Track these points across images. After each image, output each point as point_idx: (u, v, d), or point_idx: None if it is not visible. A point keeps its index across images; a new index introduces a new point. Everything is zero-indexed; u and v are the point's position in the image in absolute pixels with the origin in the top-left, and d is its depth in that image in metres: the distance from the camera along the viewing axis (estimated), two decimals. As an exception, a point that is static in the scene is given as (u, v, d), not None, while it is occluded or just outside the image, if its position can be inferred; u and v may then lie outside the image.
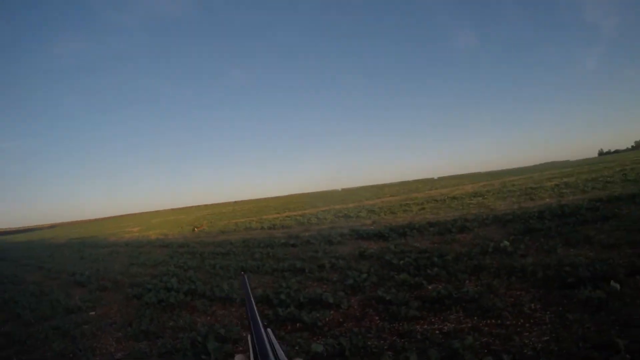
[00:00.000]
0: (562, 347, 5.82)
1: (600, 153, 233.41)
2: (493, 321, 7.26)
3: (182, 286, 13.46)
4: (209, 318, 10.33)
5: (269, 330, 1.16)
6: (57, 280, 19.91)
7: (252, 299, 1.35)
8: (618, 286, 7.47)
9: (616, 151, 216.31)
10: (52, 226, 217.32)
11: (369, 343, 6.97)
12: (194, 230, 44.42)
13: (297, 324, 8.71)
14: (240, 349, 7.49)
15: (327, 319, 8.75)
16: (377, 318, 8.48)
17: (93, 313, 12.51)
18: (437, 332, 7.23)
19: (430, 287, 9.74)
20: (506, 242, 12.73)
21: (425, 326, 7.59)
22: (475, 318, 7.53)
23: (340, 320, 8.72)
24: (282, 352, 1.02)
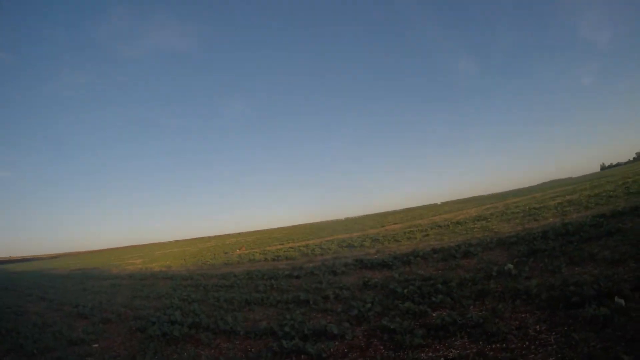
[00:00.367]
0: (568, 368, 5.73)
1: (602, 167, 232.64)
2: (498, 345, 7.18)
3: (186, 319, 13.40)
4: (213, 351, 10.28)
5: None
6: (59, 312, 19.84)
7: None
8: (623, 302, 7.40)
9: (618, 164, 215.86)
10: (55, 257, 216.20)
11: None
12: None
13: (302, 356, 8.65)
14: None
15: (331, 350, 8.68)
16: (381, 347, 8.40)
17: (96, 345, 12.46)
18: (442, 359, 7.16)
19: (434, 315, 9.64)
20: (510, 265, 12.62)
21: (430, 354, 7.51)
22: (481, 343, 7.44)
23: (345, 351, 8.64)
24: None
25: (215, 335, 11.49)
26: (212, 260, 42.75)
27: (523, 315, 8.37)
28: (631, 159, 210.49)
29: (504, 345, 7.13)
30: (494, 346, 7.19)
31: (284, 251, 38.60)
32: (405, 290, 12.19)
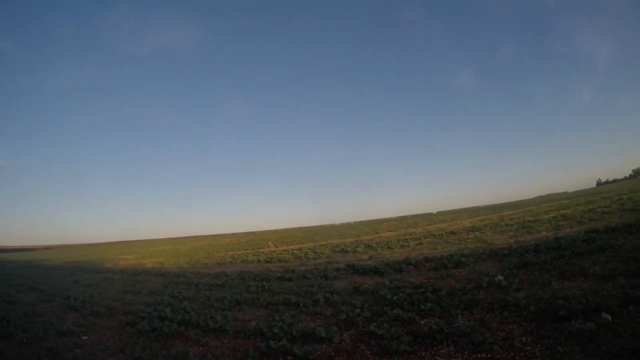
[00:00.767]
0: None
1: (599, 183, 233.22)
2: (483, 355, 7.21)
3: (176, 316, 13.39)
4: (201, 349, 10.28)
5: None
6: (51, 303, 19.80)
7: None
8: (609, 317, 7.44)
9: (614, 180, 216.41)
10: (48, 247, 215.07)
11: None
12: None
13: (289, 357, 8.66)
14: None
15: (318, 353, 8.70)
16: (368, 352, 8.44)
17: (86, 338, 12.44)
18: (427, 366, 7.17)
19: (422, 322, 9.65)
20: (500, 277, 12.66)
21: (416, 360, 7.52)
22: (466, 352, 7.48)
23: (332, 354, 8.67)
24: None
25: (204, 333, 11.49)
26: (205, 259, 42.72)
27: (510, 327, 8.41)
28: (627, 175, 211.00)
29: (489, 355, 7.16)
30: (479, 356, 7.22)
31: (277, 253, 38.58)
32: (395, 297, 12.20)
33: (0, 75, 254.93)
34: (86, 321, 14.50)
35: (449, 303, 10.90)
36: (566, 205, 54.68)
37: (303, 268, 23.51)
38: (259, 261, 33.58)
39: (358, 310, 11.38)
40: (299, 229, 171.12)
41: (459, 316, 9.81)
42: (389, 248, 30.84)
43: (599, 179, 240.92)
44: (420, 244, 31.32)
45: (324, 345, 9.15)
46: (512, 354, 7.05)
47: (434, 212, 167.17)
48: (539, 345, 7.18)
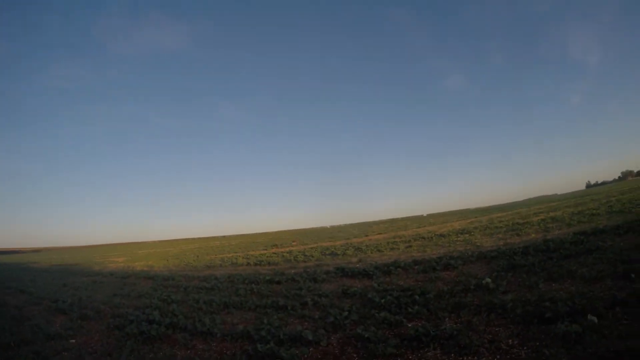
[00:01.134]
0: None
1: (588, 185, 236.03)
2: (470, 358, 7.19)
3: (165, 319, 13.23)
4: (189, 352, 10.17)
5: None
6: (39, 306, 19.53)
7: None
8: (595, 319, 7.46)
9: (603, 182, 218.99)
10: (36, 250, 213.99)
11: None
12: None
13: (275, 360, 8.58)
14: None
15: (305, 356, 8.64)
16: (355, 355, 8.38)
17: (73, 341, 12.29)
18: (413, 369, 7.14)
19: (409, 325, 9.60)
20: (488, 279, 12.67)
21: (402, 363, 7.49)
22: (452, 355, 7.45)
23: (319, 357, 8.60)
24: None
25: (192, 336, 11.38)
26: (194, 262, 42.54)
27: (497, 329, 8.40)
28: (616, 178, 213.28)
29: (476, 358, 7.14)
30: (465, 358, 7.20)
31: (267, 256, 38.53)
32: (383, 300, 12.18)
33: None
34: (74, 324, 14.34)
35: (437, 306, 10.88)
36: (555, 207, 55.19)
37: (292, 271, 23.45)
38: (248, 264, 33.45)
39: (346, 313, 11.32)
40: (289, 231, 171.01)
41: (446, 319, 9.78)
42: (379, 251, 30.81)
43: (589, 181, 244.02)
44: (410, 246, 31.33)
45: (311, 349, 9.07)
46: (498, 356, 7.03)
47: (425, 215, 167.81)
48: (525, 348, 7.17)
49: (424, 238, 37.34)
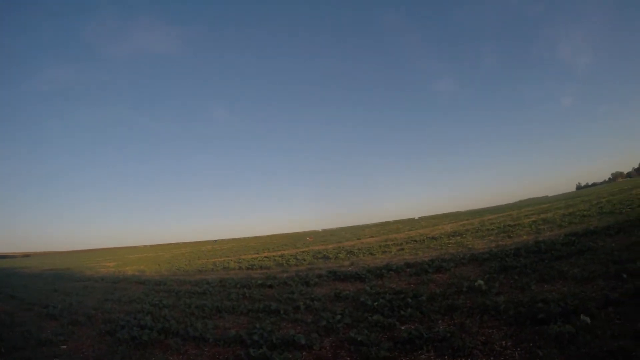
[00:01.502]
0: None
1: (579, 187, 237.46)
2: (463, 360, 7.16)
3: (156, 324, 13.09)
4: (181, 357, 10.09)
5: None
6: (29, 312, 19.32)
7: None
8: (588, 320, 7.46)
9: (594, 184, 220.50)
10: (27, 255, 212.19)
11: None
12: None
13: (268, 365, 8.50)
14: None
15: (298, 360, 8.56)
16: (348, 359, 8.33)
17: (65, 347, 12.15)
18: (406, 372, 7.10)
19: (402, 328, 9.57)
20: (481, 281, 12.66)
21: (395, 366, 7.45)
22: (446, 357, 7.43)
23: (312, 361, 8.54)
24: None
25: (184, 341, 11.26)
26: (186, 267, 42.36)
27: (490, 331, 8.38)
28: (607, 179, 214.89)
29: (469, 359, 7.12)
30: (459, 360, 7.17)
31: (259, 260, 38.43)
32: (376, 303, 12.13)
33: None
34: (65, 330, 14.16)
35: (430, 308, 10.86)
36: (547, 209, 55.51)
37: (285, 275, 23.34)
38: (240, 268, 33.39)
39: (339, 317, 11.25)
40: (281, 235, 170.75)
41: (439, 321, 9.76)
42: (371, 254, 30.81)
43: (579, 183, 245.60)
44: (402, 249, 31.37)
45: (304, 353, 9.01)
46: (492, 358, 7.00)
47: (417, 218, 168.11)
48: (518, 349, 7.15)
49: (416, 241, 37.37)
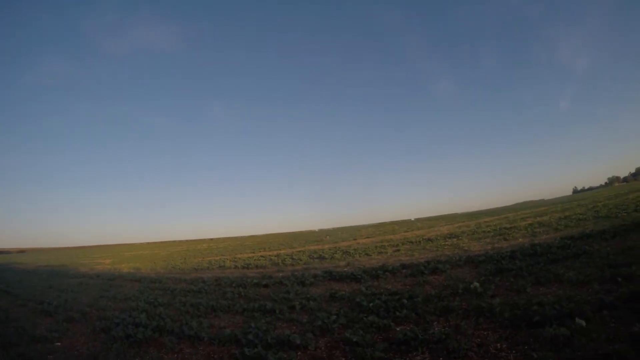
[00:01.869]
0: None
1: (575, 191, 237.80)
2: (458, 362, 7.15)
3: (151, 322, 13.09)
4: (176, 356, 10.07)
5: None
6: (24, 308, 19.27)
7: None
8: (584, 323, 7.47)
9: (590, 188, 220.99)
10: (22, 251, 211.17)
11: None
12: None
13: (263, 365, 8.49)
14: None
15: (293, 360, 8.55)
16: (343, 359, 8.32)
17: (59, 344, 12.11)
18: (401, 373, 7.09)
19: (398, 329, 9.58)
20: (476, 283, 12.67)
21: (390, 368, 7.45)
22: (441, 359, 7.43)
23: (306, 361, 8.53)
24: None
25: (179, 339, 11.23)
26: (182, 265, 42.36)
27: (485, 333, 8.38)
28: (603, 183, 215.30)
29: (464, 361, 7.12)
30: (453, 362, 7.17)
31: (255, 259, 38.40)
32: (371, 304, 12.11)
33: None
34: (60, 327, 14.13)
35: (425, 310, 10.86)
36: (543, 212, 55.57)
37: (280, 274, 23.32)
38: (236, 267, 33.38)
39: (334, 317, 11.25)
40: (277, 235, 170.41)
41: (435, 323, 9.75)
42: (367, 255, 30.83)
43: (575, 187, 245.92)
44: (398, 250, 31.38)
45: (299, 353, 9.01)
46: (486, 360, 7.01)
47: (413, 219, 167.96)
48: (513, 351, 7.16)
49: (412, 242, 37.37)
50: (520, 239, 26.45)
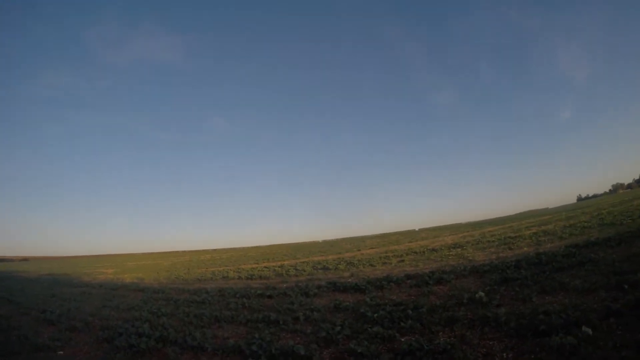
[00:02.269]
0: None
1: (579, 198, 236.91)
2: (464, 372, 7.09)
3: (155, 332, 13.04)
4: (179, 366, 10.03)
5: None
6: (26, 316, 19.26)
7: None
8: (590, 331, 7.42)
9: (594, 196, 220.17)
10: (25, 259, 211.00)
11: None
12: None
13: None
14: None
15: (297, 372, 8.50)
16: (347, 371, 8.27)
17: (61, 352, 12.12)
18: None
19: (403, 340, 9.51)
20: (481, 293, 12.60)
21: (396, 379, 7.39)
22: (447, 369, 7.35)
23: (311, 373, 8.48)
24: None
25: (182, 350, 11.19)
26: (185, 275, 42.26)
27: (491, 343, 8.32)
28: (607, 191, 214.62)
29: (470, 372, 7.06)
30: (460, 373, 7.10)
31: (259, 270, 38.30)
32: (376, 315, 12.05)
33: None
34: (62, 336, 14.10)
35: (430, 320, 10.78)
36: (547, 220, 55.39)
37: (284, 285, 23.25)
38: (239, 278, 33.27)
39: (338, 328, 11.18)
40: (281, 245, 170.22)
41: (440, 333, 9.69)
42: (371, 265, 30.71)
43: (580, 195, 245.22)
44: (402, 261, 31.26)
45: (303, 364, 8.96)
46: (493, 370, 6.95)
47: (417, 229, 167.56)
48: (519, 361, 7.10)
49: (416, 252, 37.27)
50: (525, 248, 26.34)
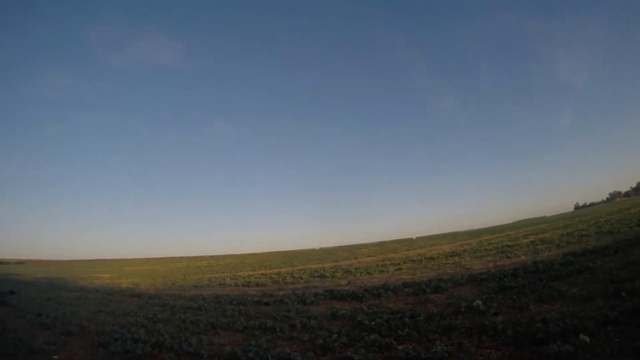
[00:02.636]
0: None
1: (577, 207, 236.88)
2: (461, 380, 7.06)
3: (150, 338, 13.00)
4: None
5: None
6: (22, 320, 19.15)
7: None
8: (587, 339, 7.42)
9: (592, 204, 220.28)
10: (21, 262, 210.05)
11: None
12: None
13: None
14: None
15: (293, 380, 8.45)
16: (344, 379, 8.22)
17: (56, 357, 12.06)
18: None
19: (400, 348, 9.49)
20: (479, 301, 12.59)
21: (392, 387, 7.35)
22: (444, 377, 7.31)
23: (307, 381, 8.44)
24: None
25: (178, 356, 11.16)
26: (181, 281, 42.19)
27: (488, 351, 8.30)
28: (605, 199, 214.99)
29: (467, 380, 7.02)
30: (457, 381, 7.07)
31: (255, 277, 38.22)
32: (373, 323, 12.02)
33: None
34: (57, 340, 14.05)
35: (427, 328, 10.76)
36: (545, 229, 55.40)
37: (281, 293, 23.19)
38: (236, 285, 33.20)
39: (335, 336, 11.15)
40: (278, 253, 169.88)
41: (437, 341, 9.67)
42: (368, 273, 30.65)
43: (577, 203, 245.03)
44: (400, 269, 31.19)
45: (300, 372, 8.92)
46: (490, 378, 6.91)
47: (414, 238, 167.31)
48: (517, 369, 7.07)
49: (413, 261, 37.20)
50: (522, 257, 26.33)
